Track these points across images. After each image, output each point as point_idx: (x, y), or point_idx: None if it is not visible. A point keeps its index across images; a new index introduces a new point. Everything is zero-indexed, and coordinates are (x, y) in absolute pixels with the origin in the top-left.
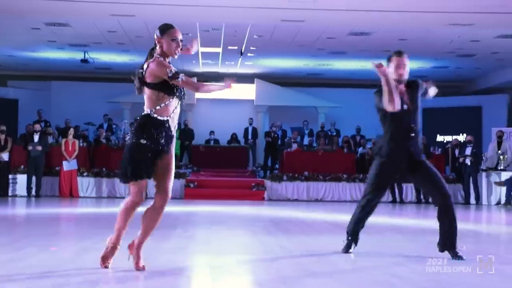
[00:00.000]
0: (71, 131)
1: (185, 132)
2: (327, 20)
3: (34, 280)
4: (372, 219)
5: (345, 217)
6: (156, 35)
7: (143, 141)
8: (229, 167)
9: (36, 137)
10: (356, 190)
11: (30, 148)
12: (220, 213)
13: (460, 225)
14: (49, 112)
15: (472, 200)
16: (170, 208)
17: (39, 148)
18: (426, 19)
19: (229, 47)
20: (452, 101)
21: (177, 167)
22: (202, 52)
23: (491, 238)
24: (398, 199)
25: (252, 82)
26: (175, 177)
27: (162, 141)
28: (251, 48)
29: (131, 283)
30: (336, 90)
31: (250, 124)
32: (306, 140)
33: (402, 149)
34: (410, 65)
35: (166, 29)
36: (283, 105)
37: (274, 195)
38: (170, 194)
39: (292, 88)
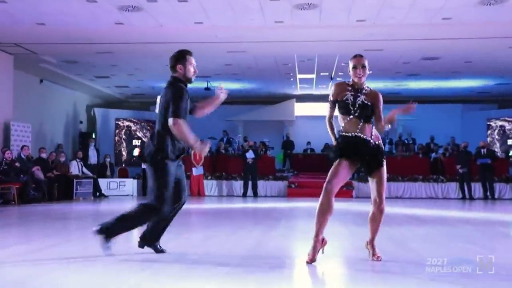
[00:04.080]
0: None
1: (287, 143)
2: (402, 48)
3: (168, 263)
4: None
5: (421, 211)
6: None
7: None
8: (323, 171)
9: None
10: (430, 189)
11: None
12: (316, 208)
13: None
14: None
15: None
16: (276, 204)
17: None
18: (489, 43)
19: (321, 73)
20: None
21: (280, 171)
22: (299, 78)
23: None
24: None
25: None
26: (278, 179)
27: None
28: (340, 73)
29: (246, 259)
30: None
31: None
32: (386, 148)
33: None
34: (474, 82)
35: None
36: None
37: (361, 193)
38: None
39: None
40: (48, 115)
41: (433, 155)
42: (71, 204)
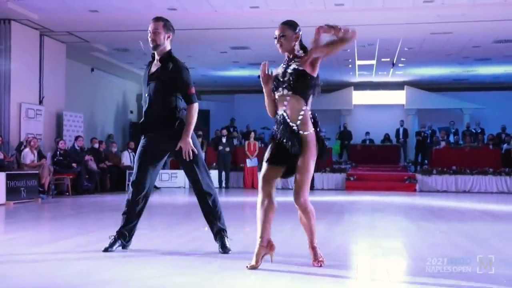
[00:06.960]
0: (252, 134)
1: (344, 133)
2: (473, 31)
3: (234, 258)
4: None
5: (494, 206)
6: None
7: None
8: (383, 163)
9: (223, 140)
10: (502, 183)
11: (220, 148)
12: (378, 202)
13: None
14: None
15: None
16: (335, 198)
17: (227, 149)
18: None
19: (382, 59)
20: None
21: (337, 163)
22: (358, 65)
23: None
24: None
25: (402, 88)
26: (336, 171)
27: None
28: (402, 59)
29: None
30: (480, 93)
31: (401, 125)
32: (452, 139)
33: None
34: None
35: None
36: (431, 108)
37: (424, 187)
38: (297, 194)
39: (439, 93)
40: (98, 104)
41: (505, 146)
42: (124, 195)
